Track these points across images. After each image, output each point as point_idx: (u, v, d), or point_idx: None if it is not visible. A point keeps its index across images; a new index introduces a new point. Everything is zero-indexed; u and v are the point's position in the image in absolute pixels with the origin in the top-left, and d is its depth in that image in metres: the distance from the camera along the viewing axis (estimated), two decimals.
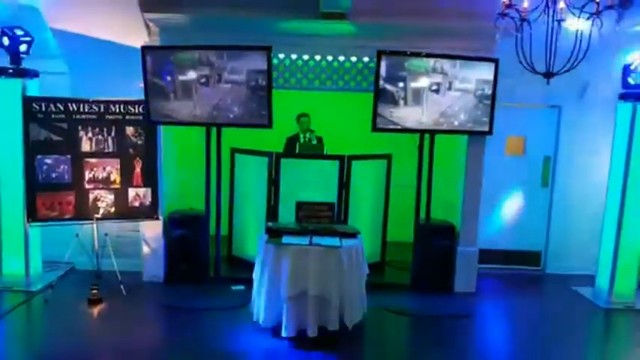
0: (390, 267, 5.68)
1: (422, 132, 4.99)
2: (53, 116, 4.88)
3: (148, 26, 4.97)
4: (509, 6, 4.40)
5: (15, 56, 4.82)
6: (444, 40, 4.95)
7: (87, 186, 5.01)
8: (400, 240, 5.75)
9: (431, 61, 4.78)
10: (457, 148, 5.38)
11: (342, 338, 4.08)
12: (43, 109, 4.85)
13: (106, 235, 5.01)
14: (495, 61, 4.88)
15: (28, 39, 4.85)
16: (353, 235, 4.35)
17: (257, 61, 4.65)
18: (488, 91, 4.93)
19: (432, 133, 5.00)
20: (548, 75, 3.78)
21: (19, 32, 4.80)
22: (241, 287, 5.08)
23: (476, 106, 4.94)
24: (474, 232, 5.35)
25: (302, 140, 5.80)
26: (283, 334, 3.98)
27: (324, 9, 4.81)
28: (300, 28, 5.01)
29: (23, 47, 4.83)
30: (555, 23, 3.54)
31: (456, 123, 4.94)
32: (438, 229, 5.31)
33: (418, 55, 4.78)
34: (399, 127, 4.86)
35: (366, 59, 5.16)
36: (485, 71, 4.89)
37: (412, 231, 5.27)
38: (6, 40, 4.75)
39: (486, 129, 5.05)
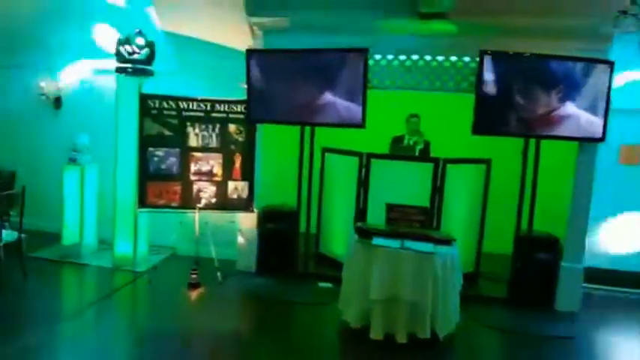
0: (485, 279, 5.38)
1: (527, 137, 4.70)
2: (165, 112, 5.26)
3: (252, 29, 5.20)
4: (633, 2, 3.99)
5: (133, 58, 5.25)
6: (552, 39, 4.62)
7: (192, 177, 5.34)
8: (495, 251, 5.43)
9: (536, 62, 4.49)
10: (565, 155, 4.98)
11: (433, 348, 3.94)
12: (157, 105, 5.25)
13: (206, 224, 5.31)
14: (610, 64, 4.47)
15: (145, 46, 5.25)
16: (447, 242, 4.18)
17: (354, 63, 4.70)
18: (602, 95, 4.52)
19: (538, 138, 4.69)
20: None
21: (138, 40, 5.22)
22: (329, 285, 5.13)
23: (587, 110, 4.56)
24: (581, 247, 4.91)
25: (405, 142, 5.60)
26: (371, 336, 3.94)
27: (423, 9, 4.72)
28: (398, 28, 4.96)
29: (143, 53, 5.27)
30: None
31: (565, 128, 4.60)
32: (540, 241, 4.94)
33: (523, 55, 4.52)
34: (501, 130, 4.63)
35: (466, 59, 4.97)
36: (599, 73, 4.49)
37: (510, 242, 4.97)
38: (126, 47, 5.21)
39: (599, 136, 4.63)
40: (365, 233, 4.24)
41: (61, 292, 5.06)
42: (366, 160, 5.21)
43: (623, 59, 4.83)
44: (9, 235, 4.80)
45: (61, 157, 5.66)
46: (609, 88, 4.51)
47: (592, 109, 4.57)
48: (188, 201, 5.33)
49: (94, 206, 5.82)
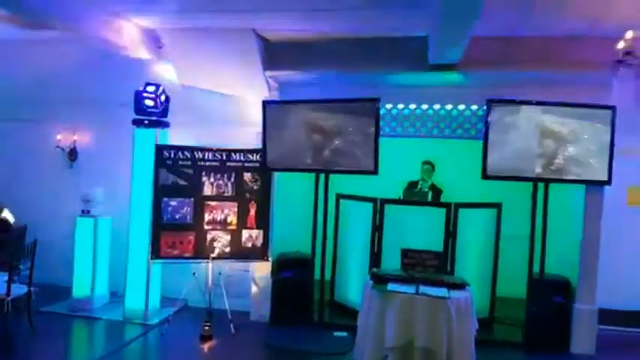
0: (500, 323, 5.35)
1: (535, 180, 4.83)
2: (180, 162, 5.33)
3: (268, 82, 5.41)
4: (628, 53, 4.25)
5: (150, 110, 5.35)
6: (556, 88, 4.88)
7: (206, 227, 5.34)
8: (509, 295, 5.44)
9: (542, 110, 4.69)
10: (573, 198, 5.10)
11: None
12: (172, 156, 5.32)
13: (220, 274, 5.27)
14: (612, 109, 4.69)
15: (163, 98, 5.38)
16: (462, 286, 4.18)
17: (366, 113, 4.88)
18: (606, 139, 4.71)
19: (547, 182, 4.83)
20: None
21: (149, 88, 5.28)
22: (344, 334, 5.06)
23: (592, 154, 4.73)
24: (592, 289, 4.95)
25: (418, 187, 5.74)
26: None
27: (432, 61, 4.96)
28: (408, 79, 5.20)
29: (158, 104, 5.35)
30: None
31: (572, 172, 4.75)
32: (552, 284, 4.97)
33: (528, 103, 4.73)
34: (510, 175, 4.77)
35: (474, 107, 5.19)
36: (602, 119, 4.71)
37: (522, 286, 4.99)
38: (148, 102, 5.31)
39: (605, 179, 4.79)
40: (380, 279, 4.24)
41: (70, 347, 4.94)
42: (380, 206, 5.28)
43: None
44: (18, 289, 4.73)
45: (75, 208, 5.68)
46: (612, 132, 4.70)
47: (597, 153, 4.74)
48: (202, 251, 5.31)
49: (107, 258, 5.79)
